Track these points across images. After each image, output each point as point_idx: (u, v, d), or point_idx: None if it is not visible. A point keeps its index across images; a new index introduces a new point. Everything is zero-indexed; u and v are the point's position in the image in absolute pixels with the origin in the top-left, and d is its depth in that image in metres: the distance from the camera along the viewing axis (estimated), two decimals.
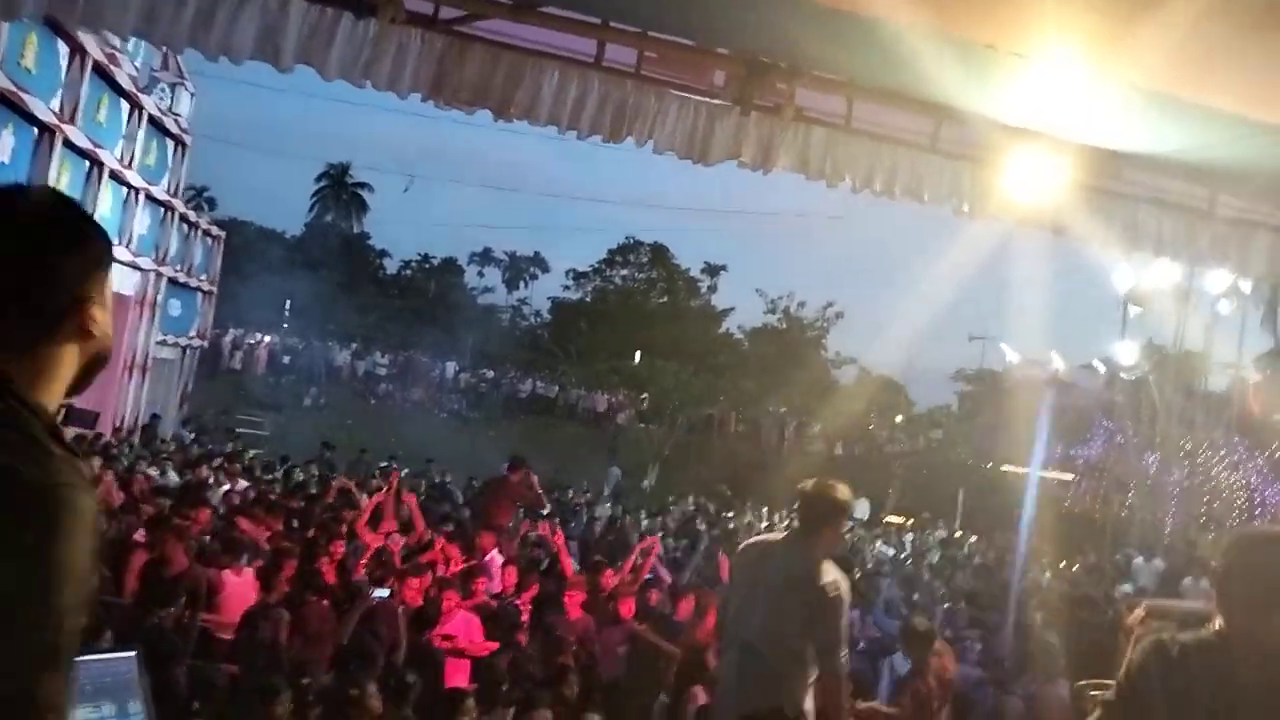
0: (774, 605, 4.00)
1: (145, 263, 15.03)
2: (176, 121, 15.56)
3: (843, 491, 4.16)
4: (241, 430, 22.11)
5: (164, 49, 14.18)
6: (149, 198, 14.79)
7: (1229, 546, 2.28)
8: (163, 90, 14.94)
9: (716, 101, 4.72)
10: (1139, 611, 5.23)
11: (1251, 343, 21.44)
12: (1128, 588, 11.42)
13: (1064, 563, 15.90)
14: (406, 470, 17.84)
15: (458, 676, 5.82)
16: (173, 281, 16.55)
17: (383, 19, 4.20)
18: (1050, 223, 5.16)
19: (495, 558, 8.27)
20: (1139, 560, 15.45)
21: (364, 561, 7.49)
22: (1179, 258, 5.43)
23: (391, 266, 49.24)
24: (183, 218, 16.74)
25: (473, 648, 6.16)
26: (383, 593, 6.14)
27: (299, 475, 12.93)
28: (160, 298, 15.89)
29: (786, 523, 13.84)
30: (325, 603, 6.25)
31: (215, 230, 19.43)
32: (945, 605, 9.82)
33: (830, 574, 4.01)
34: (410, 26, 4.29)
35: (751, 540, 4.65)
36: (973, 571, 13.03)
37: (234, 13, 4.03)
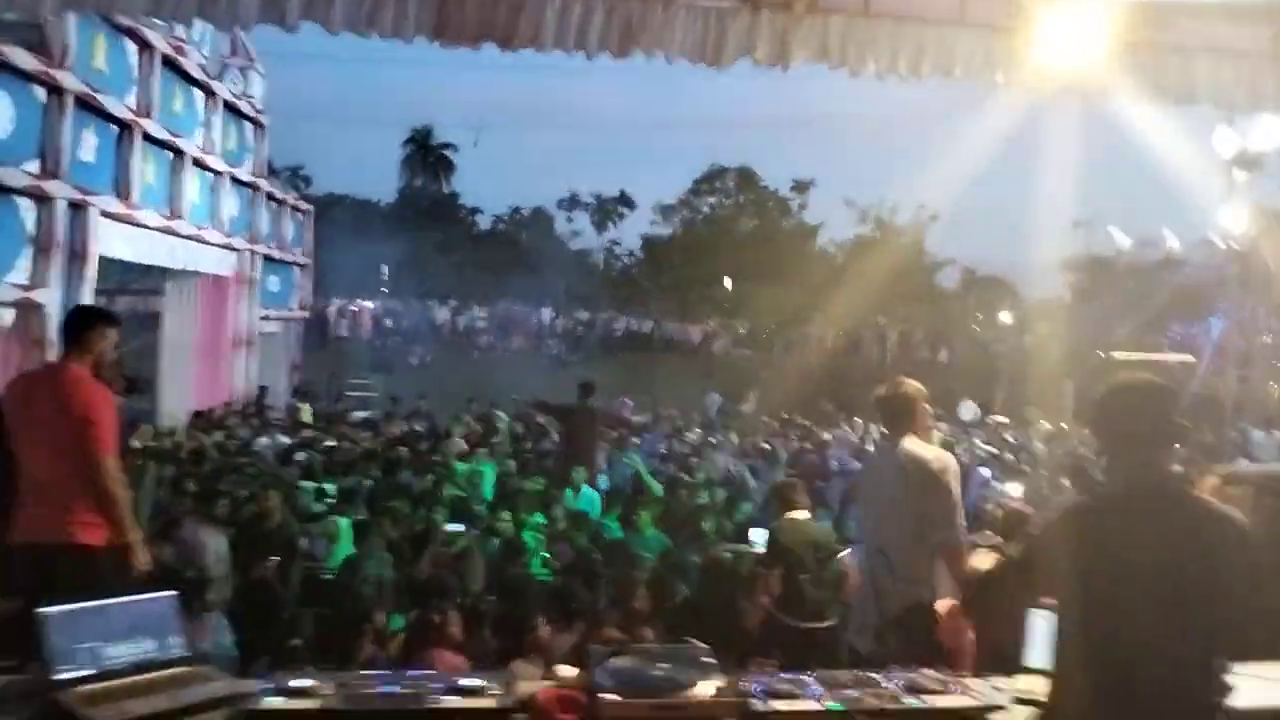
0: (887, 506, 4.27)
1: (239, 242, 15.65)
2: (251, 104, 16.03)
3: (908, 384, 4.49)
4: (353, 394, 23.09)
5: (230, 34, 14.61)
6: (235, 180, 15.34)
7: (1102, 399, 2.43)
8: (234, 75, 15.37)
9: (725, 4, 4.62)
10: (1212, 479, 5.06)
11: None
12: (1245, 462, 10.93)
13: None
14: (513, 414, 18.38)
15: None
16: (268, 258, 17.19)
17: None
18: (1097, 85, 4.89)
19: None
20: (1258, 434, 14.77)
21: None
22: (1243, 107, 5.08)
23: (484, 222, 49.93)
24: (270, 196, 17.32)
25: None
26: (456, 528, 6.40)
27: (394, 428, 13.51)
28: (258, 275, 16.55)
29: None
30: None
31: (304, 205, 20.06)
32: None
33: (931, 452, 4.29)
34: None
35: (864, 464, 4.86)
36: (1073, 463, 12.74)
37: None
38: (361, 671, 3.18)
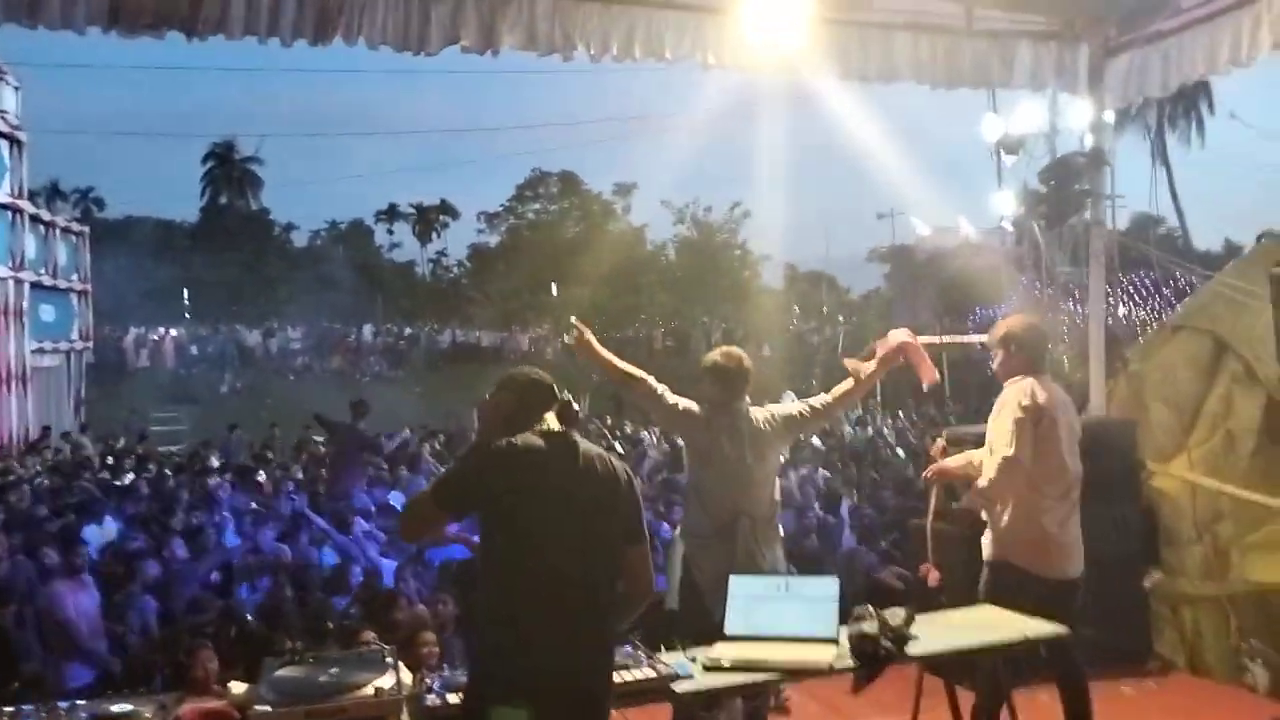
0: (741, 466, 4.03)
1: (0, 270, 14.44)
2: (4, 119, 14.81)
3: (745, 357, 4.23)
4: (159, 428, 21.69)
5: None
6: None
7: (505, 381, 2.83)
8: None
9: None
10: (940, 441, 5.31)
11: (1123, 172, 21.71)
12: None
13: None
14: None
15: None
16: (38, 286, 15.92)
17: None
18: (801, 65, 5.05)
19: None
20: None
21: None
22: (941, 81, 5.36)
23: (300, 239, 48.20)
24: (35, 218, 16.05)
25: None
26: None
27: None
28: (25, 304, 15.30)
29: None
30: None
31: (76, 227, 18.68)
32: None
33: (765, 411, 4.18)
34: None
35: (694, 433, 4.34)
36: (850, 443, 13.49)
37: None
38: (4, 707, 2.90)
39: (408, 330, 33.72)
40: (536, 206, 47.18)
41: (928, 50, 5.28)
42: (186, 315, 34.77)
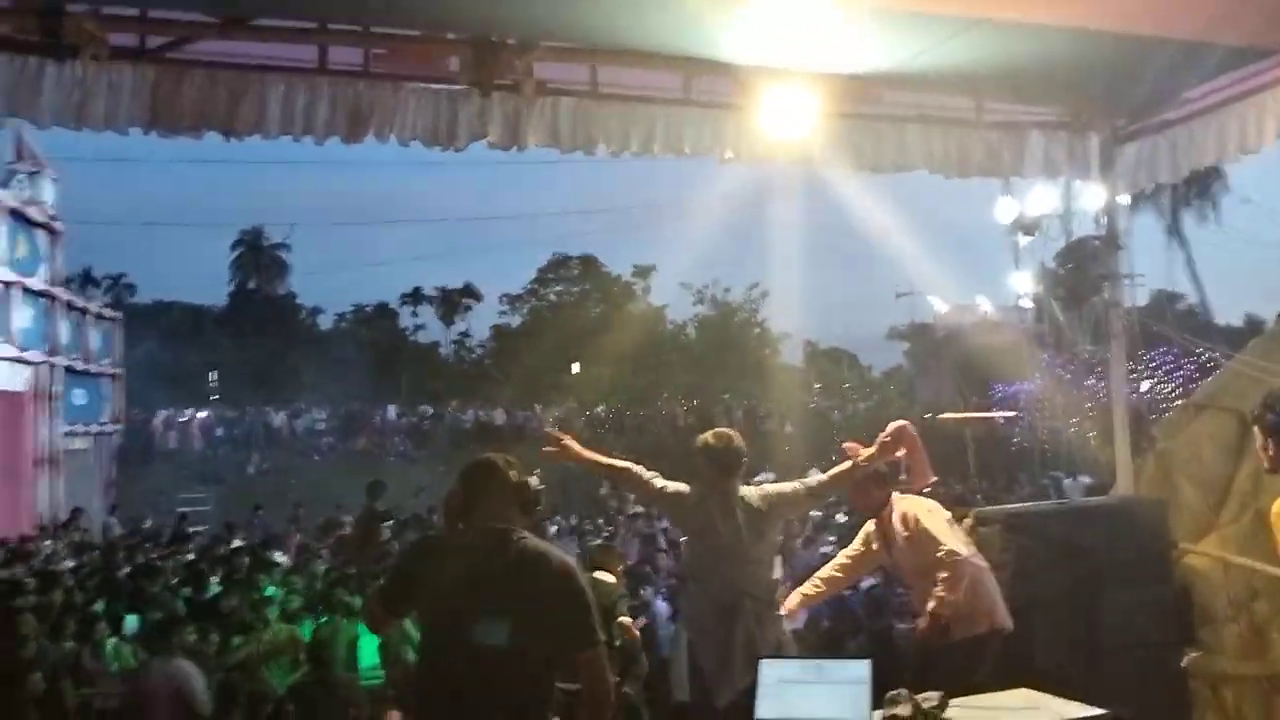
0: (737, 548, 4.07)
1: (34, 355, 14.75)
2: (42, 210, 15.30)
3: (737, 437, 4.33)
4: (185, 509, 21.82)
5: (15, 140, 14.01)
6: (26, 290, 14.52)
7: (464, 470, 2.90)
8: (20, 180, 14.68)
9: (457, 87, 4.71)
10: (968, 521, 5.31)
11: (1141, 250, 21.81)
12: None
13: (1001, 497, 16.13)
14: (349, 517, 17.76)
15: None
16: (71, 370, 16.24)
17: (85, 59, 4.13)
18: (817, 157, 5.20)
19: None
20: (1067, 481, 15.68)
21: None
22: (953, 171, 5.49)
23: (326, 322, 48.88)
24: (70, 305, 16.45)
25: None
26: None
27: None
28: (59, 389, 15.60)
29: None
30: None
31: (109, 313, 19.11)
32: None
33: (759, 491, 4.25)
34: (119, 62, 4.23)
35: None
36: None
37: None
38: None
39: (431, 410, 33.86)
40: (558, 288, 47.81)
41: (939, 142, 5.42)
42: (214, 397, 35.16)
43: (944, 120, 5.48)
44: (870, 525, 4.79)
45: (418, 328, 48.81)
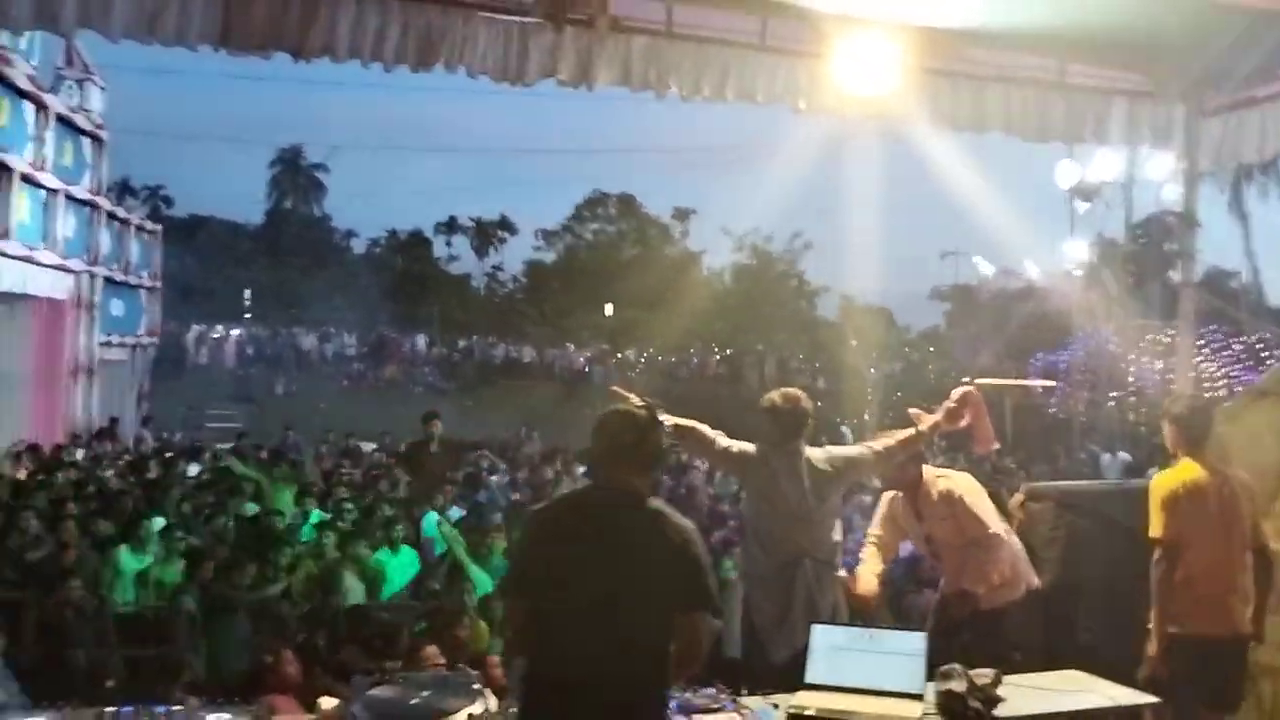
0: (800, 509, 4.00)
1: (76, 264, 14.83)
2: (88, 118, 15.26)
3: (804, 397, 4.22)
4: (213, 425, 22.16)
5: (64, 45, 13.95)
6: (70, 198, 14.55)
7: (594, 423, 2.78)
8: (70, 87, 14.63)
9: (529, 20, 4.59)
10: (1018, 496, 5.24)
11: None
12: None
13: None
14: (374, 446, 18.00)
15: None
16: (110, 281, 16.34)
17: None
18: (893, 111, 5.05)
19: None
20: (1105, 456, 15.51)
21: None
22: (1032, 134, 5.31)
23: (359, 246, 48.84)
24: (111, 215, 16.49)
25: None
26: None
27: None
28: (98, 298, 15.71)
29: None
30: None
31: (150, 225, 19.16)
32: None
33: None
34: None
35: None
36: None
37: None
38: (104, 708, 2.94)
39: (461, 343, 33.98)
40: (595, 226, 47.49)
41: (1019, 103, 5.25)
42: (247, 316, 35.42)
43: (1024, 81, 5.30)
44: (895, 502, 4.65)
45: (451, 258, 48.72)
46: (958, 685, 2.95)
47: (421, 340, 33.34)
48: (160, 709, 2.91)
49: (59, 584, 6.12)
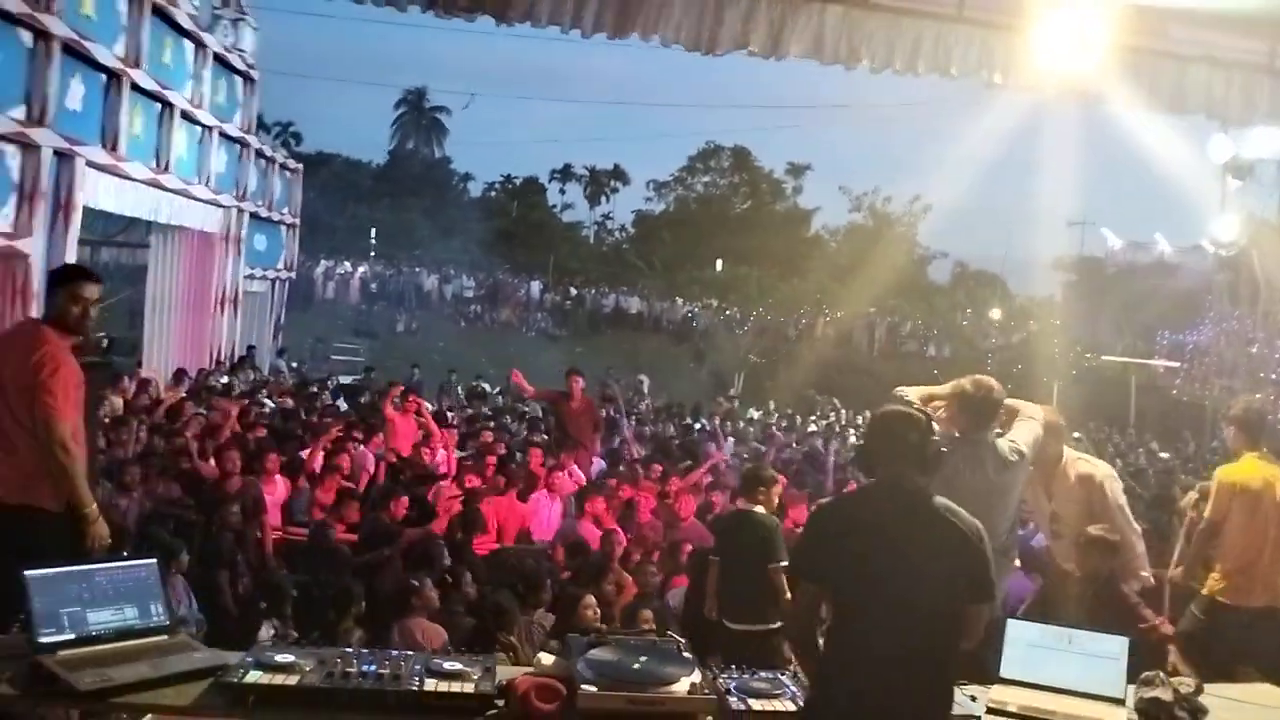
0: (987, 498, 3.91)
1: (226, 199, 15.46)
2: (242, 57, 15.78)
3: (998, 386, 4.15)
4: (338, 358, 23.10)
5: None
6: (223, 135, 15.13)
7: (870, 420, 2.93)
8: (225, 27, 15.11)
9: None
10: (1192, 494, 5.13)
11: None
12: None
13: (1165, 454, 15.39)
14: (497, 389, 18.55)
15: None
16: (255, 216, 16.99)
17: None
18: (1091, 89, 4.88)
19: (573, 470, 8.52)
20: None
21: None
22: (1236, 118, 5.07)
23: (475, 189, 49.64)
24: (259, 153, 17.09)
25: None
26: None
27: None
28: (244, 232, 16.37)
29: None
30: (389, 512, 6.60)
31: (292, 164, 19.80)
32: None
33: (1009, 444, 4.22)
34: None
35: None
36: None
37: None
38: (343, 648, 3.07)
39: (574, 290, 34.37)
40: (706, 179, 47.18)
41: (1223, 85, 5.01)
42: (372, 253, 36.46)
43: (1229, 63, 5.05)
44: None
45: (566, 206, 49.15)
46: (1164, 694, 2.93)
47: (536, 286, 33.85)
48: (395, 654, 2.97)
49: (221, 508, 6.47)
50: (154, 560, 3.06)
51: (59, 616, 2.79)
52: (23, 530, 3.97)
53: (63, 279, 4.42)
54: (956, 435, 3.95)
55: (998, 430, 4.03)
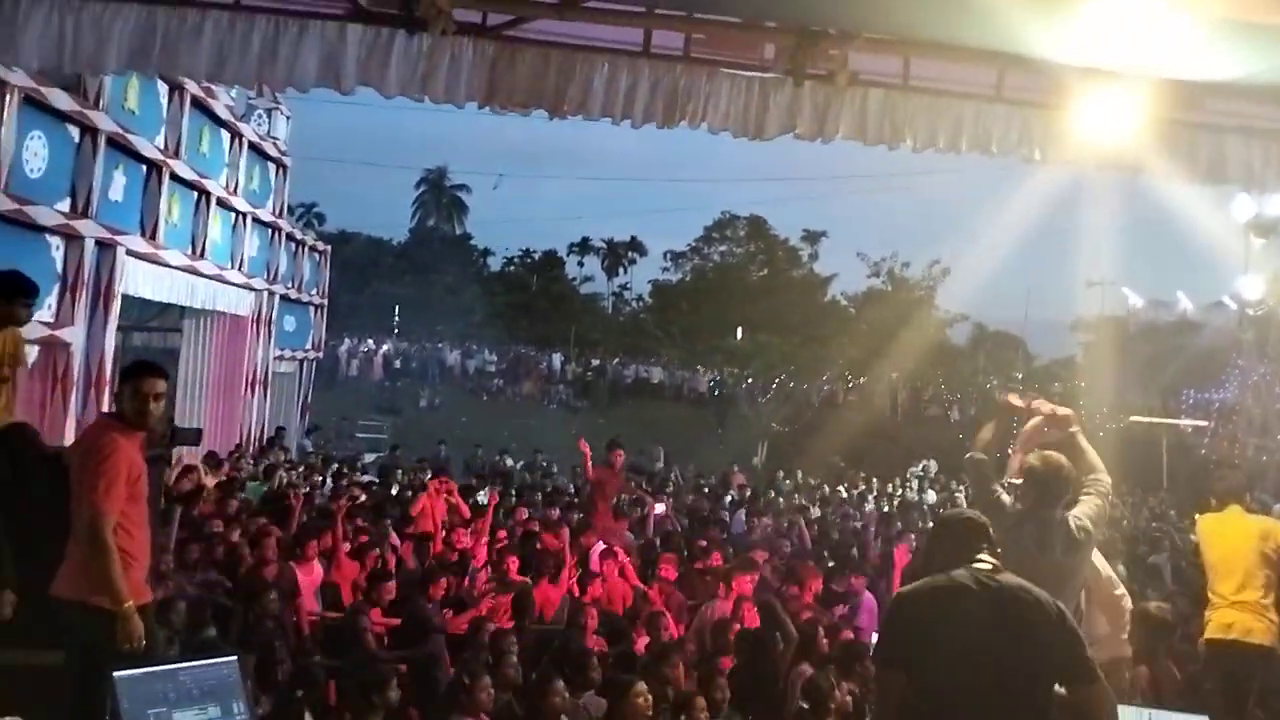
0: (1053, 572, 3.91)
1: (258, 283, 15.74)
2: (275, 145, 16.21)
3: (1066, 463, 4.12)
4: (363, 435, 23.19)
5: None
6: (256, 220, 15.47)
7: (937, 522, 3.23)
8: (260, 116, 15.58)
9: (769, 75, 4.71)
10: None
11: None
12: None
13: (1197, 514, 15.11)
14: (522, 463, 18.59)
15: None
16: (285, 298, 17.27)
17: (434, 32, 4.34)
18: (1130, 162, 4.96)
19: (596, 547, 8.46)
20: (1278, 507, 14.61)
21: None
22: (1273, 187, 5.14)
23: (495, 264, 50.30)
24: (289, 236, 17.44)
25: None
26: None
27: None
28: (274, 315, 16.62)
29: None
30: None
31: (320, 246, 20.17)
32: None
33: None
34: (461, 36, 4.42)
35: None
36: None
37: (295, 46, 4.24)
38: None
39: (594, 362, 34.54)
40: (723, 248, 47.69)
41: (1260, 154, 5.08)
42: (395, 330, 36.83)
43: (1265, 132, 5.13)
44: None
45: (585, 278, 49.73)
46: None
47: (557, 359, 34.05)
48: None
49: (260, 597, 6.43)
50: (235, 658, 3.09)
51: (146, 718, 2.80)
52: (85, 627, 3.94)
53: (126, 374, 4.49)
54: (1021, 509, 3.93)
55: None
